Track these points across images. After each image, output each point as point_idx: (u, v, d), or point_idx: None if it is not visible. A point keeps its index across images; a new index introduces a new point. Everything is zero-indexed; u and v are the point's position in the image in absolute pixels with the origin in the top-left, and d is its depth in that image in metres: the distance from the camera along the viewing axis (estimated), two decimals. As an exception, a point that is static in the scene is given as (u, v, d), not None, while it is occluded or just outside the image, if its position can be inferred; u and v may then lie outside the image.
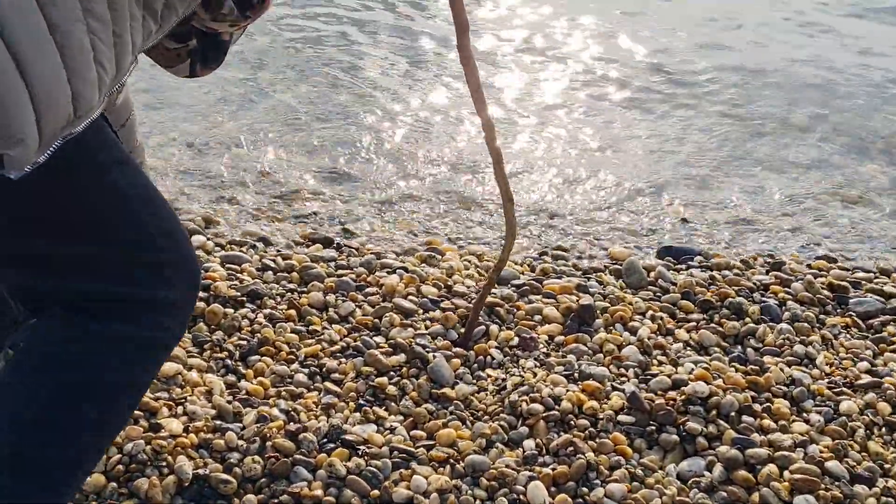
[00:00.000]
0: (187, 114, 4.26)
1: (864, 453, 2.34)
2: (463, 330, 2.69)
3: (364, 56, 5.17)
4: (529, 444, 2.28)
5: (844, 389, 2.57)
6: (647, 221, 3.66)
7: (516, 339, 2.69)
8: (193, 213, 3.36)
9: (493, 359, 2.61)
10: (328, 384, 2.44)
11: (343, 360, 2.54)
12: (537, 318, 2.81)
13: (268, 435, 2.20)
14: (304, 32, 5.48)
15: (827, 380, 2.62)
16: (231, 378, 2.43)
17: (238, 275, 2.87)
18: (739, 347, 2.75)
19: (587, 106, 4.78)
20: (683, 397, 2.42)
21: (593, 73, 5.23)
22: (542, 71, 5.22)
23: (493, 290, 2.90)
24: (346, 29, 5.59)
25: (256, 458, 2.14)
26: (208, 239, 3.08)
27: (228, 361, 2.50)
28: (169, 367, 2.38)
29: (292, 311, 2.72)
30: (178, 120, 4.18)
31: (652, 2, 6.80)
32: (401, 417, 2.36)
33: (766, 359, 2.68)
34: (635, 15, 6.45)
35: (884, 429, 2.43)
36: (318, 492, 2.07)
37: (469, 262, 3.12)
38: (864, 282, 3.16)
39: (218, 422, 2.24)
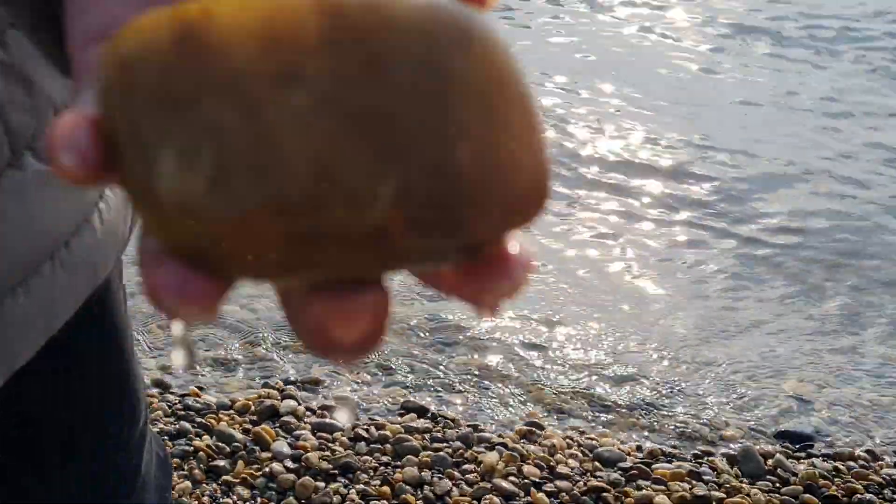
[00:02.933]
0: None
1: None
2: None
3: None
4: None
5: None
6: (761, 400, 3.44)
7: (627, 532, 2.48)
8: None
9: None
10: (424, 575, 2.26)
11: (440, 547, 2.36)
12: (648, 507, 2.61)
13: None
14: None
15: None
16: (320, 562, 2.27)
17: (330, 444, 2.74)
18: (873, 552, 2.50)
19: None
20: None
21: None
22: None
23: (600, 474, 2.71)
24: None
25: None
26: (299, 403, 2.96)
27: (318, 543, 2.34)
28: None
29: (386, 488, 2.56)
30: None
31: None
32: None
33: (906, 568, 2.42)
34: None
35: None
36: None
37: (571, 439, 2.93)
38: None
39: None
